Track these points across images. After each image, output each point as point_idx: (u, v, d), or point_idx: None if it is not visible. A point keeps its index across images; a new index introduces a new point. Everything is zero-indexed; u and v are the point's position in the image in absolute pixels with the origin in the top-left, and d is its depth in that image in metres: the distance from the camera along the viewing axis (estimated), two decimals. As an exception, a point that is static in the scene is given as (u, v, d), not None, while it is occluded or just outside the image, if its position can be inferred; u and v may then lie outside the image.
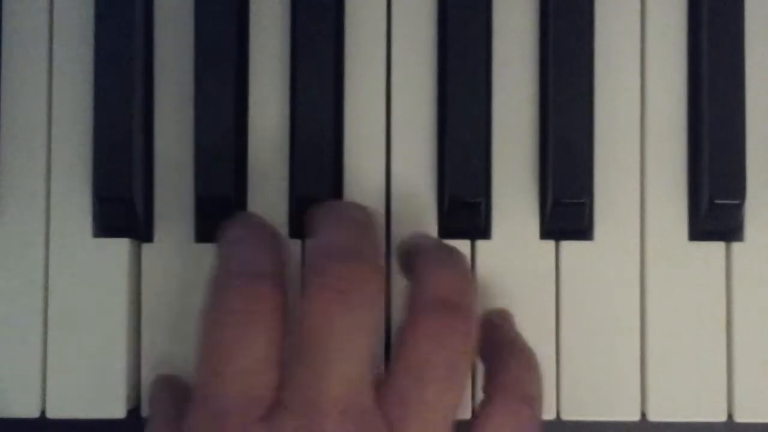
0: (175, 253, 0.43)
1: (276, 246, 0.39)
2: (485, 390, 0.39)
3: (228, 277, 0.37)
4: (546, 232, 0.43)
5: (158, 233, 0.43)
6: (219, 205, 0.42)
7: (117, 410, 0.42)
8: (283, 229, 0.43)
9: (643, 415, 0.43)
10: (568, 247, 0.43)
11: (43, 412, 0.43)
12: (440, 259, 0.39)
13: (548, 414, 0.43)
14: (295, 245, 0.43)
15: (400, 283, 0.41)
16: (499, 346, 0.40)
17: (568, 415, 0.43)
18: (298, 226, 0.43)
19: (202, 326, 0.37)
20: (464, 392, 0.37)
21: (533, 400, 0.39)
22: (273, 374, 0.36)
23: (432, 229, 0.43)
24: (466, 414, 0.41)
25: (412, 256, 0.40)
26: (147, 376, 0.43)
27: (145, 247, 0.43)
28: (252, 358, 0.36)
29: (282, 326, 0.36)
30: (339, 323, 0.35)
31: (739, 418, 0.43)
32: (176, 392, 0.41)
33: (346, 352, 0.35)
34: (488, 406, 0.39)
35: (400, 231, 0.43)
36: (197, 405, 0.36)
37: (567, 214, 0.42)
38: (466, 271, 0.39)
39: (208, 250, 0.42)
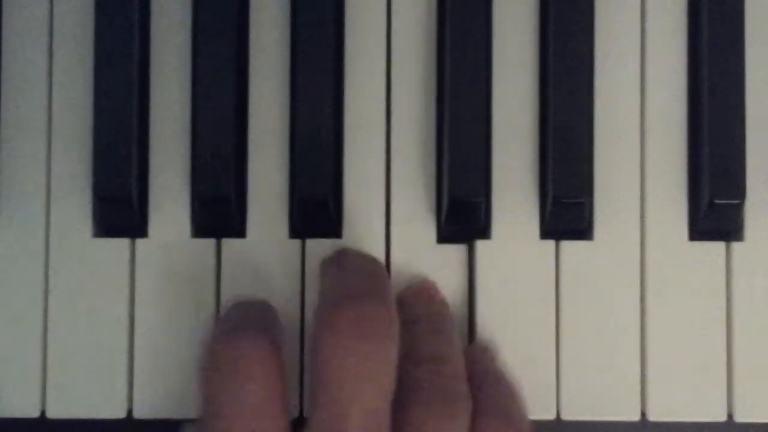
0: (172, 251, 0.43)
1: (261, 306, 0.40)
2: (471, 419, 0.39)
3: (214, 337, 0.38)
4: (546, 232, 0.43)
5: (154, 231, 0.43)
6: (219, 205, 0.42)
7: (117, 410, 0.42)
8: (284, 229, 0.43)
9: (643, 415, 0.43)
10: (568, 247, 0.43)
11: (43, 412, 0.43)
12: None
13: (548, 414, 0.43)
14: (295, 245, 0.43)
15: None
16: (479, 378, 0.40)
17: (568, 415, 0.43)
18: (298, 226, 0.43)
19: (199, 380, 0.38)
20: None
21: (520, 427, 0.39)
22: (276, 419, 0.36)
23: (432, 229, 0.43)
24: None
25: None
26: (142, 373, 0.43)
27: (139, 243, 0.43)
28: (243, 405, 0.36)
29: (278, 372, 0.37)
30: (353, 358, 0.36)
31: (739, 418, 0.43)
32: None
33: (363, 386, 0.36)
34: None
35: (401, 232, 0.43)
36: None
37: (567, 213, 0.42)
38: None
39: (204, 246, 0.43)
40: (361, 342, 0.36)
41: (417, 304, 0.42)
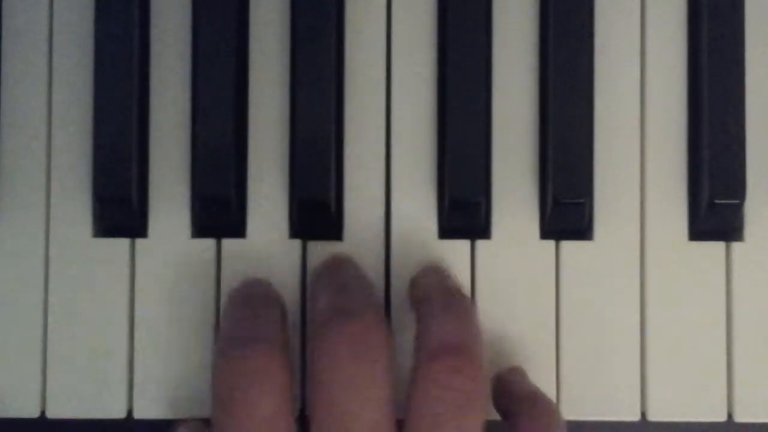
0: (172, 251, 0.43)
1: (273, 309, 0.40)
2: None
3: (228, 342, 0.38)
4: (546, 232, 0.43)
5: (154, 231, 0.43)
6: (219, 205, 0.42)
7: (117, 410, 0.42)
8: (283, 229, 0.43)
9: (643, 415, 0.43)
10: (568, 247, 0.43)
11: (43, 412, 0.43)
12: (443, 304, 0.40)
13: (548, 414, 0.43)
14: (295, 245, 0.43)
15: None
16: (519, 398, 0.40)
17: (568, 415, 0.43)
18: (299, 226, 0.43)
19: (212, 385, 0.38)
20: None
21: None
22: (286, 428, 0.37)
23: (432, 229, 0.43)
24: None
25: (418, 301, 0.41)
26: (142, 373, 0.43)
27: (139, 243, 0.43)
28: (258, 415, 0.36)
29: (290, 384, 0.37)
30: (351, 373, 0.36)
31: (739, 418, 0.43)
32: None
33: (364, 399, 0.36)
34: None
35: (401, 232, 0.43)
36: None
37: (567, 214, 0.42)
38: (470, 314, 0.40)
39: (204, 246, 0.43)
40: (355, 361, 0.36)
41: (428, 277, 0.42)
